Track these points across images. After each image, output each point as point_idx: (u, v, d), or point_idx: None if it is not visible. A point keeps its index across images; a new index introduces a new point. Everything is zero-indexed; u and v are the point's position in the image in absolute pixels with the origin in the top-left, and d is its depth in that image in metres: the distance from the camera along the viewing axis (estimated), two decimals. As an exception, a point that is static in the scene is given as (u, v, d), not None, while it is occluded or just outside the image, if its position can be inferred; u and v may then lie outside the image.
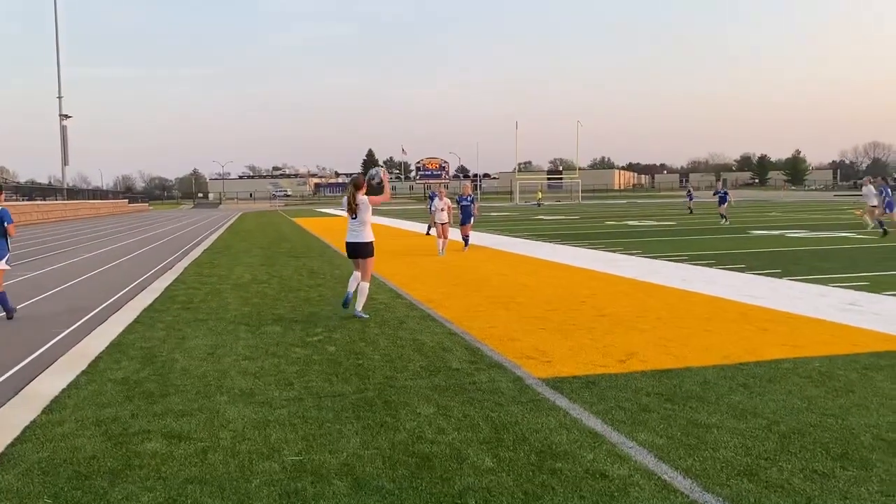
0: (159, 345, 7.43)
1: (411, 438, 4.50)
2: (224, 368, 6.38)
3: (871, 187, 22.18)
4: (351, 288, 8.88)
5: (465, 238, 18.04)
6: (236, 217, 51.93)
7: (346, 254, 9.06)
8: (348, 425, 4.77)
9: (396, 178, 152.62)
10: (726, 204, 29.42)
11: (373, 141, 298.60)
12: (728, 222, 28.37)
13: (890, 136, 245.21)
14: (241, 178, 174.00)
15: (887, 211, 20.66)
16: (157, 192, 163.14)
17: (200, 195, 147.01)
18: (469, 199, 18.19)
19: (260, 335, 7.84)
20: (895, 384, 5.46)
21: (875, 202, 21.59)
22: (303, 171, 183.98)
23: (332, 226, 33.78)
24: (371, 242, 8.79)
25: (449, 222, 17.45)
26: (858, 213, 21.86)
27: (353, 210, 8.72)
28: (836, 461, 4.02)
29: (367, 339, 7.46)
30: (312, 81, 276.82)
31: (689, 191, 43.49)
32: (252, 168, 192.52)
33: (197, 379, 6.04)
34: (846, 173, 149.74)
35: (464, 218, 18.03)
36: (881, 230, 20.28)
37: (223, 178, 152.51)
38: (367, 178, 8.91)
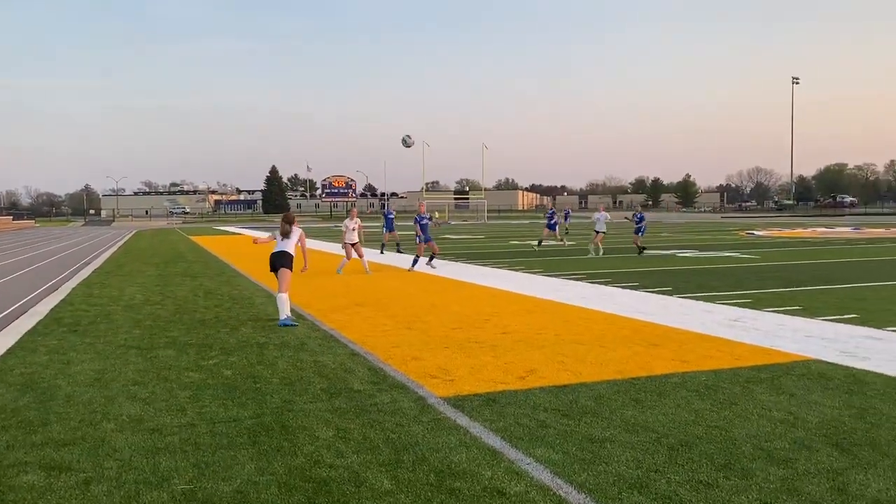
0: (41, 370, 7.00)
1: (309, 463, 4.41)
2: (112, 394, 6.07)
3: (606, 214, 23.39)
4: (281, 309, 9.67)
5: (432, 255, 17.78)
6: (131, 235, 49.71)
7: (269, 268, 10.02)
8: (243, 451, 4.63)
9: (301, 195, 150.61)
10: (557, 228, 27.10)
11: (276, 158, 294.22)
12: (565, 244, 27.03)
13: (771, 162, 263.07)
14: (136, 194, 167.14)
15: (637, 235, 22.47)
16: (45, 209, 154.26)
17: (92, 212, 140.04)
18: (428, 217, 17.98)
19: (151, 359, 7.51)
20: (773, 396, 5.80)
21: (603, 228, 22.71)
22: (202, 187, 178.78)
23: (232, 244, 32.85)
24: (292, 255, 9.94)
25: (359, 242, 17.30)
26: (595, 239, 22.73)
27: (285, 235, 10.02)
28: (719, 471, 4.21)
29: (265, 362, 7.28)
30: (213, 96, 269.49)
31: (566, 212, 44.13)
32: (148, 184, 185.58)
33: (82, 406, 5.72)
34: (732, 196, 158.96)
35: (426, 236, 17.69)
36: (638, 251, 22.22)
37: (117, 195, 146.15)
38: (404, 142, 10.35)
